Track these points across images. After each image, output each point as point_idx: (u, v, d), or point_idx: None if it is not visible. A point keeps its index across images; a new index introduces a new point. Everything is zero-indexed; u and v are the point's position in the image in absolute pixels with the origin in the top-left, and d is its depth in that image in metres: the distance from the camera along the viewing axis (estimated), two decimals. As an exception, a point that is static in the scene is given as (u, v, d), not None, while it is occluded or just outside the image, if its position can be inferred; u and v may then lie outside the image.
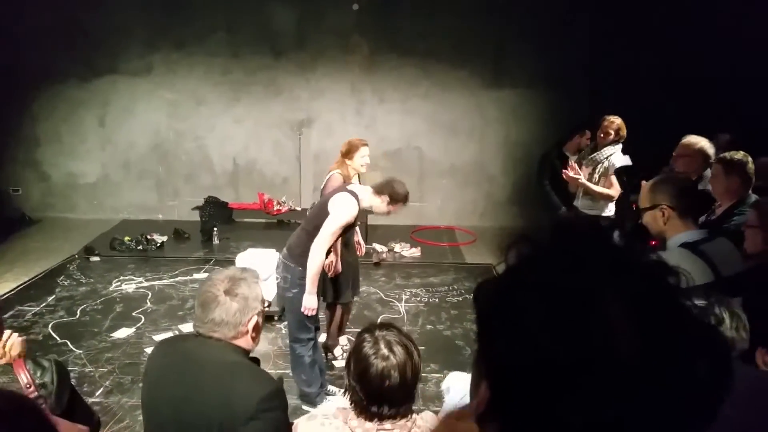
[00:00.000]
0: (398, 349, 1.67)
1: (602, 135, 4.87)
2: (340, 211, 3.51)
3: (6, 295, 5.56)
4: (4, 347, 1.82)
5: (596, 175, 4.84)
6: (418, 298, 5.78)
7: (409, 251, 7.10)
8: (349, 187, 3.72)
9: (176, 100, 8.14)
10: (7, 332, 1.87)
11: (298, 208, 7.76)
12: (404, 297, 5.80)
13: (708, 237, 2.42)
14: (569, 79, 7.58)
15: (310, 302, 3.52)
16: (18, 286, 5.77)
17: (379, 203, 3.61)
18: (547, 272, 0.58)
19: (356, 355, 1.69)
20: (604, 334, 0.52)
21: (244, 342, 1.81)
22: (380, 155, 8.30)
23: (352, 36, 7.94)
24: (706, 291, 1.71)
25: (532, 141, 7.78)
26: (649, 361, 0.51)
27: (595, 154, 4.91)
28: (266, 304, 2.31)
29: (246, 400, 1.65)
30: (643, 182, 2.61)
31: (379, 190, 3.61)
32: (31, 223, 8.08)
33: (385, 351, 1.66)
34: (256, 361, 1.88)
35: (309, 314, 3.56)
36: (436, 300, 5.75)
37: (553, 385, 0.53)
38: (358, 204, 3.58)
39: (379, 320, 5.17)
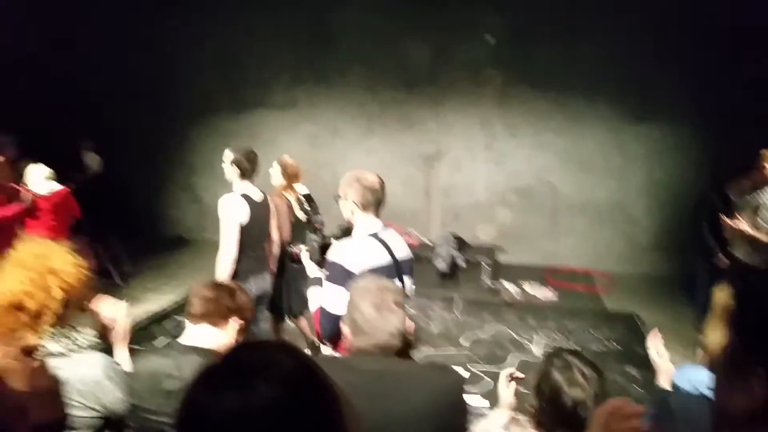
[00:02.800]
0: (592, 379, 1.66)
1: (759, 170, 4.46)
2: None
3: (168, 308, 6.02)
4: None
5: (759, 220, 4.39)
6: (555, 343, 5.52)
7: (541, 293, 6.85)
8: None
9: (316, 132, 8.54)
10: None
11: (427, 241, 7.78)
12: (537, 339, 5.58)
13: None
14: (729, 114, 6.87)
15: None
16: (178, 301, 6.24)
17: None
18: None
19: (547, 377, 1.69)
20: None
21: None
22: (509, 190, 8.17)
23: (485, 69, 7.93)
24: None
25: (680, 181, 7.29)
26: None
27: (754, 193, 4.48)
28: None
29: (453, 393, 1.76)
30: None
31: None
32: (185, 243, 8.78)
33: (579, 378, 1.64)
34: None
35: None
36: (574, 346, 5.47)
37: None
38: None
39: (508, 357, 5.01)
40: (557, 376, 1.66)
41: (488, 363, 4.93)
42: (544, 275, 7.44)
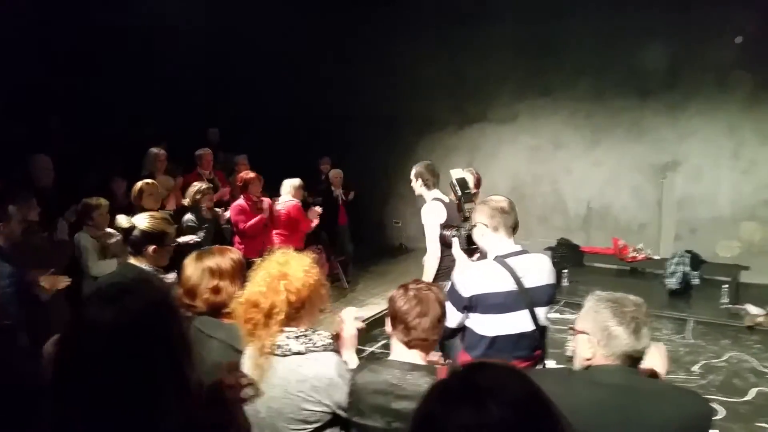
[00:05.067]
0: None
1: None
2: None
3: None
4: None
5: None
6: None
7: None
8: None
9: (537, 145, 8.53)
10: None
11: (656, 257, 7.27)
12: (788, 373, 4.88)
13: None
14: None
15: None
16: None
17: None
18: None
19: None
20: None
21: None
22: (759, 203, 7.23)
23: (733, 71, 7.14)
24: None
25: None
26: None
27: None
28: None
29: (703, 420, 1.73)
30: None
31: None
32: (407, 251, 9.44)
33: None
34: None
35: None
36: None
37: None
38: None
39: (750, 391, 4.49)
40: None
41: (724, 394, 4.50)
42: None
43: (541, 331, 2.60)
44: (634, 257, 7.28)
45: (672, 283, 6.67)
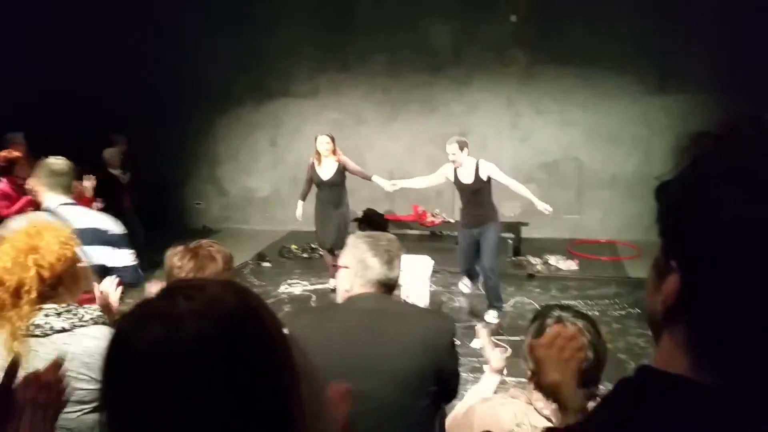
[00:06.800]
0: (587, 329, 1.60)
1: None
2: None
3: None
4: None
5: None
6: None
7: (565, 264, 6.83)
8: None
9: (340, 120, 8.67)
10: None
11: (451, 220, 7.83)
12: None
13: None
14: (745, 81, 6.77)
15: None
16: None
17: None
18: (738, 153, 0.57)
19: (540, 336, 1.58)
20: None
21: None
22: (536, 167, 8.15)
23: (509, 48, 7.91)
24: None
25: (706, 149, 7.14)
26: None
27: None
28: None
29: (445, 334, 1.92)
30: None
31: None
32: (211, 233, 9.02)
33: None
34: None
35: None
36: (597, 313, 5.45)
37: (751, 258, 0.52)
38: None
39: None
40: (552, 333, 1.53)
41: (510, 334, 4.98)
42: (568, 248, 7.41)
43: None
44: (432, 222, 7.78)
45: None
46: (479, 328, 2.23)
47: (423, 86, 8.34)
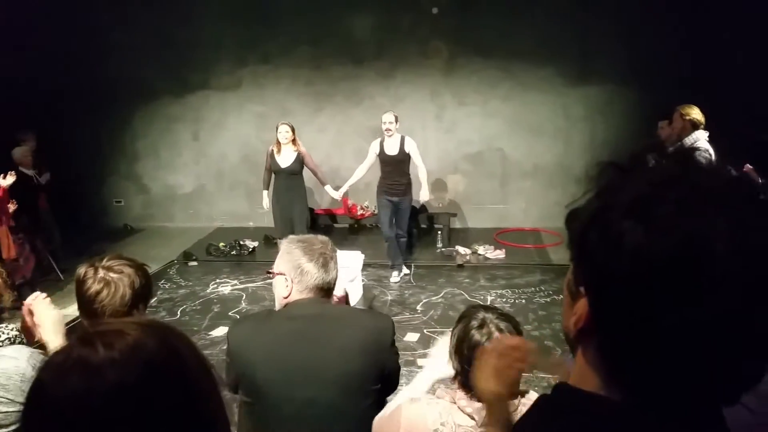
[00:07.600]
0: (508, 332, 1.65)
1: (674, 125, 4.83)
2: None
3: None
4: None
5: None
6: (504, 299, 5.72)
7: (493, 253, 7.04)
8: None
9: (264, 113, 8.49)
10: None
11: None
12: (490, 298, 5.76)
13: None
14: (658, 73, 7.25)
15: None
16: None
17: None
18: (639, 186, 0.60)
19: (465, 338, 1.67)
20: (703, 235, 0.55)
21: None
22: (460, 159, 8.31)
23: (431, 41, 7.99)
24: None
25: (619, 140, 7.52)
26: (740, 260, 0.54)
27: (679, 143, 4.76)
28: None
29: (383, 333, 1.94)
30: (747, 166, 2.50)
31: None
32: (132, 232, 8.67)
33: (496, 333, 1.63)
34: None
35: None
36: (523, 301, 5.67)
37: (651, 285, 0.56)
38: None
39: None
40: (474, 334, 1.64)
41: (442, 326, 5.08)
42: (494, 237, 7.64)
43: None
44: (362, 214, 7.80)
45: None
46: (440, 338, 2.22)
47: (347, 78, 8.30)
